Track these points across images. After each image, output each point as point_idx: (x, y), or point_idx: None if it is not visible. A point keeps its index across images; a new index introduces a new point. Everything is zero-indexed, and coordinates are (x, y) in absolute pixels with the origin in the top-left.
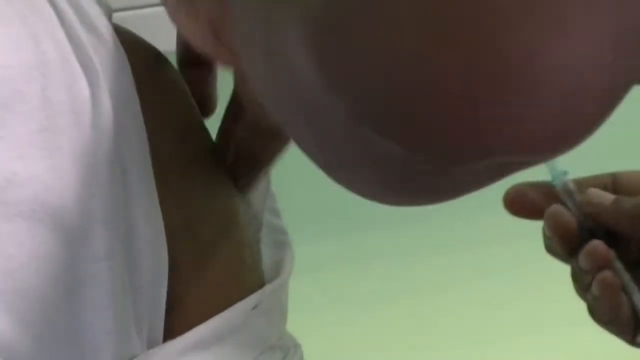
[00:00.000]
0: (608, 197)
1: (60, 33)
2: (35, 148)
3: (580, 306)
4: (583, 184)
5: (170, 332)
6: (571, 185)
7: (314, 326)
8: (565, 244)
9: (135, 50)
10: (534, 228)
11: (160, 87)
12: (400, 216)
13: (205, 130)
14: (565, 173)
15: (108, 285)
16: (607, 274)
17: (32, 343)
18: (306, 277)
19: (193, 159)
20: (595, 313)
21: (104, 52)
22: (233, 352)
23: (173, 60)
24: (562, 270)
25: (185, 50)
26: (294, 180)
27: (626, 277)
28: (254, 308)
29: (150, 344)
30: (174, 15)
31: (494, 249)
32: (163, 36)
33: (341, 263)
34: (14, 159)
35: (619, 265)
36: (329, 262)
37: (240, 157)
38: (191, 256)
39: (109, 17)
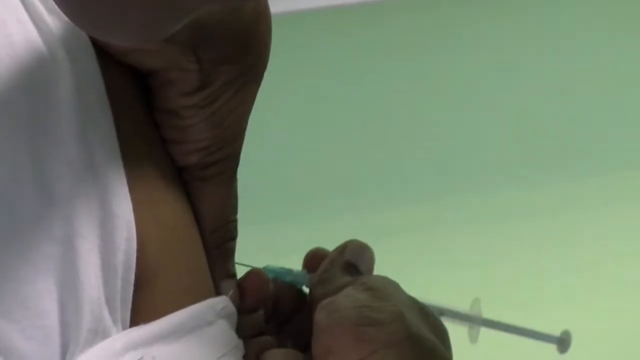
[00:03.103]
0: None
1: (24, 17)
2: None
3: None
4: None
5: (138, 314)
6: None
7: None
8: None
9: None
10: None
11: (123, 68)
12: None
13: None
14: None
15: (95, 261)
16: None
17: None
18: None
19: (157, 142)
20: None
21: (69, 34)
22: (201, 347)
23: None
24: None
25: None
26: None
27: None
28: (222, 309)
29: (123, 325)
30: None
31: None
32: None
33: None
34: None
35: None
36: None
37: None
38: (157, 239)
39: None
